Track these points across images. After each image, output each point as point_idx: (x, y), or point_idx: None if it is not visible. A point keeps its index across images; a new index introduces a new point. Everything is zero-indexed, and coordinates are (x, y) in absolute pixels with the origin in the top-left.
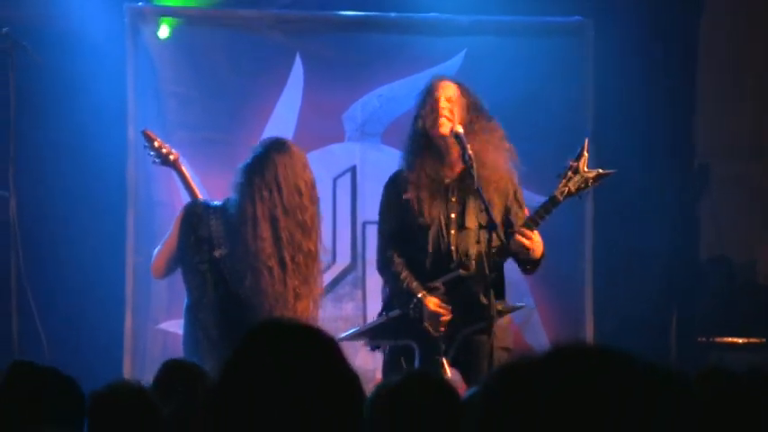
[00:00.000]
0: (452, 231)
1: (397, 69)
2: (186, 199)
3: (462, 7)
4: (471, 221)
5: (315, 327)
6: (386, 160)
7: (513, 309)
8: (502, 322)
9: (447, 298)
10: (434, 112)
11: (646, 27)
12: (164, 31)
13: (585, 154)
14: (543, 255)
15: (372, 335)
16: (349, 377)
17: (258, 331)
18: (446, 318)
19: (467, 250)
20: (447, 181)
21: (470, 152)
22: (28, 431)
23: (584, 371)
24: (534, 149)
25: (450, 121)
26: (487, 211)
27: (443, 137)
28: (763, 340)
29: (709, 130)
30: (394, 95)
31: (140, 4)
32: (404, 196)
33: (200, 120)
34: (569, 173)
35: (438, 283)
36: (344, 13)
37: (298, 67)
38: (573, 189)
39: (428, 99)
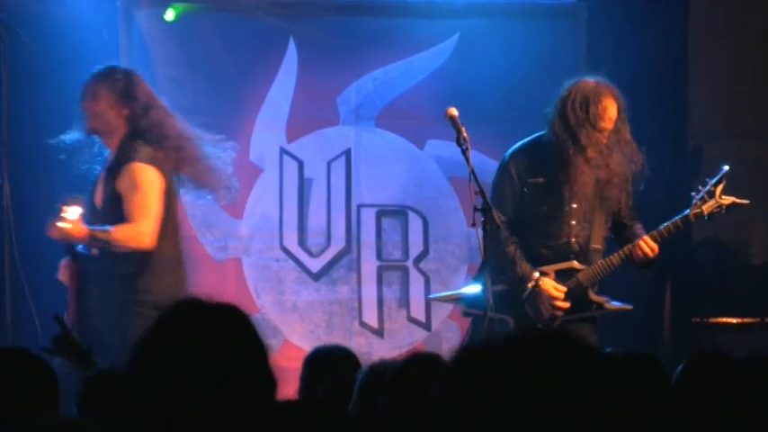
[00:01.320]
0: (573, 222)
1: (391, 53)
2: None
3: None
4: (591, 214)
5: (229, 303)
6: (380, 143)
7: (620, 309)
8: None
9: (551, 286)
10: (597, 135)
11: (639, 9)
12: (169, 15)
13: (724, 181)
14: (658, 257)
15: (469, 303)
16: (261, 350)
17: (176, 307)
18: (561, 303)
19: (583, 242)
20: (578, 173)
21: (465, 135)
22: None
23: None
24: (527, 131)
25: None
26: (482, 193)
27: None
28: (758, 320)
29: (703, 110)
30: (388, 79)
31: None
32: (530, 180)
33: (194, 103)
34: (705, 196)
35: (550, 269)
36: None
37: (292, 51)
38: (705, 212)
39: (595, 117)
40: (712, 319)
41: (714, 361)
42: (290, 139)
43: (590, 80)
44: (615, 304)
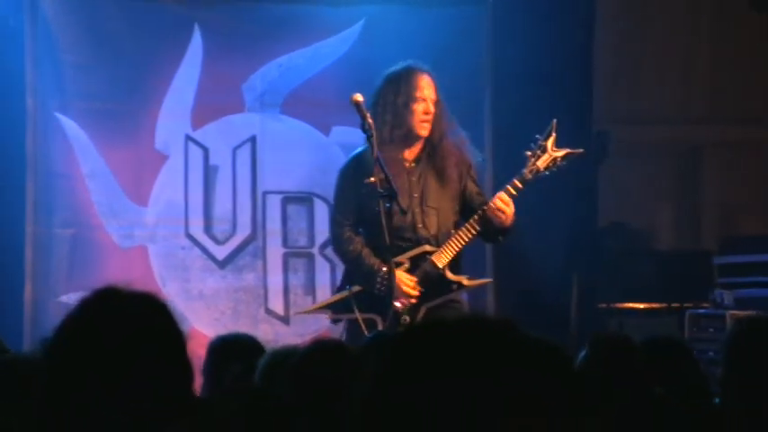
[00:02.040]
0: (417, 210)
1: (296, 39)
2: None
3: None
4: (433, 200)
5: (149, 292)
6: (286, 130)
7: (479, 283)
8: (464, 296)
9: (412, 273)
10: (417, 114)
11: None
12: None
13: (554, 134)
14: (513, 223)
15: (334, 309)
16: (180, 339)
17: (94, 296)
18: (414, 290)
19: (431, 227)
20: (407, 164)
21: (369, 121)
22: None
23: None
24: None
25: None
26: (387, 179)
27: (421, 136)
28: (664, 305)
29: (609, 96)
30: (293, 65)
31: None
32: (365, 180)
33: (99, 90)
34: (537, 151)
35: (404, 258)
36: None
37: (197, 38)
38: (541, 167)
39: (410, 95)
40: (618, 305)
41: (615, 344)
42: (195, 127)
43: (397, 67)
44: (474, 280)
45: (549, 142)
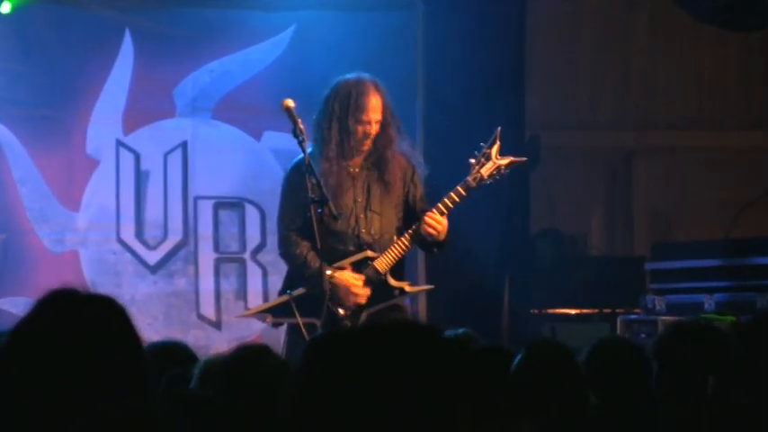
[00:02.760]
0: (361, 215)
1: (227, 44)
2: None
3: None
4: (377, 205)
5: (105, 295)
6: (217, 135)
7: (421, 290)
8: (406, 302)
9: (351, 279)
10: (358, 134)
11: (477, 1)
12: (5, 8)
13: (498, 141)
14: (448, 236)
15: (275, 312)
16: (136, 342)
17: (50, 297)
18: (361, 294)
19: (374, 232)
20: (352, 169)
21: (301, 126)
22: None
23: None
24: None
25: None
26: (318, 185)
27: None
28: (596, 311)
29: (541, 101)
30: (224, 70)
31: None
32: (310, 190)
33: (29, 96)
34: (482, 159)
35: (346, 263)
36: None
37: (127, 43)
38: (485, 175)
39: (357, 117)
40: (551, 310)
41: (551, 350)
42: (126, 132)
43: (350, 77)
44: (416, 287)
45: (494, 150)
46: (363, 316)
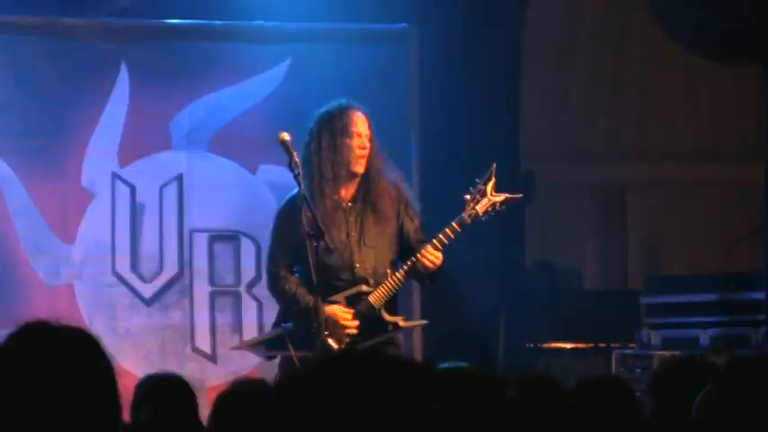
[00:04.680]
0: (355, 250)
1: (222, 77)
2: None
3: (287, 14)
4: (371, 239)
5: (78, 327)
6: (213, 168)
7: (414, 325)
8: (400, 336)
9: (340, 314)
10: (353, 150)
11: (470, 34)
12: None
13: (493, 178)
14: (440, 268)
15: (268, 345)
16: (110, 375)
17: (23, 330)
18: (350, 326)
19: (368, 266)
20: (344, 204)
21: (296, 159)
22: None
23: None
24: None
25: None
26: (314, 218)
27: (356, 173)
28: (591, 345)
29: (535, 135)
30: (220, 104)
31: None
32: (303, 220)
33: (25, 128)
34: (477, 196)
35: (339, 297)
36: (170, 22)
37: (123, 75)
38: (480, 212)
39: (345, 131)
40: (546, 345)
41: (544, 385)
42: (122, 164)
43: (329, 105)
44: (410, 322)
45: (489, 186)
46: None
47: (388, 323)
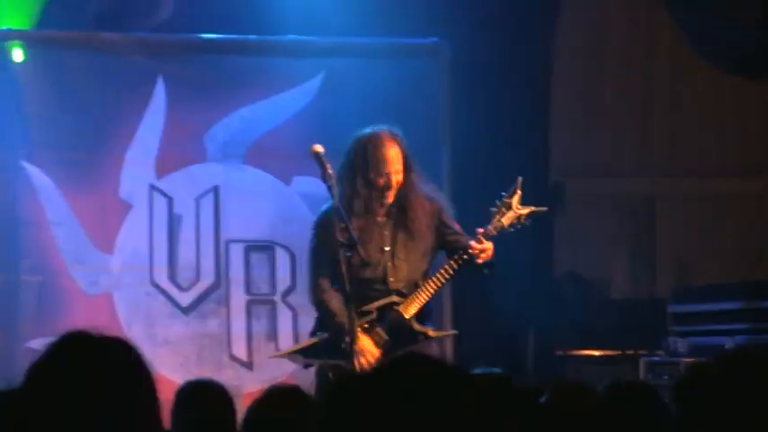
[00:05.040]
0: (389, 264)
1: (257, 90)
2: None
3: (321, 29)
4: (404, 253)
5: (118, 336)
6: (248, 180)
7: (444, 335)
8: (433, 346)
9: (379, 323)
10: (385, 185)
11: (501, 48)
12: (18, 56)
13: (519, 191)
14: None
15: (306, 354)
16: (149, 383)
17: (65, 340)
18: (372, 362)
19: (401, 278)
20: (378, 218)
21: (330, 171)
22: None
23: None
24: None
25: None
26: (347, 229)
27: (388, 200)
28: (619, 352)
29: (564, 148)
30: (255, 117)
31: (4, 28)
32: (339, 235)
33: (63, 140)
34: (503, 208)
35: (371, 308)
36: (206, 36)
37: (160, 89)
38: (506, 224)
39: (377, 170)
40: (575, 352)
41: (576, 391)
42: (159, 176)
43: (366, 132)
44: (440, 332)
45: (515, 200)
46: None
47: (418, 333)
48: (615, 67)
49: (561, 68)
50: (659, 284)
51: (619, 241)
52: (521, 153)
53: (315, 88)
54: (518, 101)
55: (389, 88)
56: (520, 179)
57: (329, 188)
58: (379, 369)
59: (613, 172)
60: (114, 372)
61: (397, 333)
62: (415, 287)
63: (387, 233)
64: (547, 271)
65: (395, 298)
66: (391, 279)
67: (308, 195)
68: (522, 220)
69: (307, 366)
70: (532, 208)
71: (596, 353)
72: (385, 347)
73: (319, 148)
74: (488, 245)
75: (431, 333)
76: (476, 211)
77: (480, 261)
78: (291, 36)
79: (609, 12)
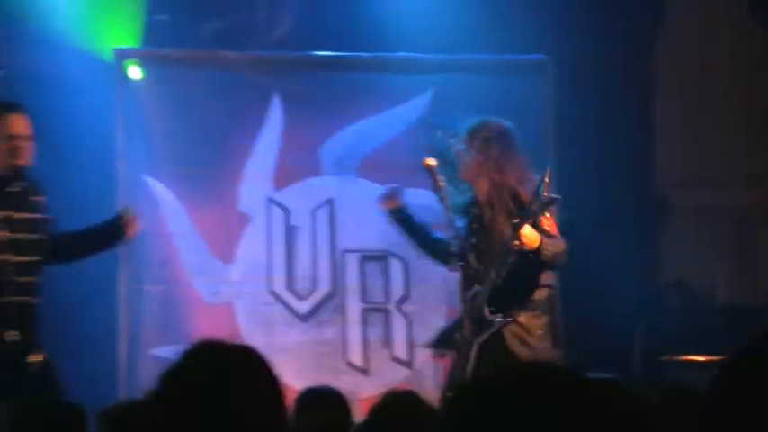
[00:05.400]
0: (472, 254)
1: (369, 106)
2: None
3: (430, 46)
4: (488, 246)
5: (247, 346)
6: (362, 193)
7: (500, 322)
8: (515, 329)
9: (465, 313)
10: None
11: (605, 63)
12: (136, 73)
13: (546, 180)
14: (544, 245)
15: (436, 344)
16: (278, 390)
17: (196, 349)
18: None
19: (484, 266)
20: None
21: (441, 184)
22: None
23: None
24: None
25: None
26: (459, 238)
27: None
28: (722, 358)
29: (668, 161)
30: (367, 131)
31: (127, 47)
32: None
33: (185, 156)
34: (534, 198)
35: (466, 297)
36: (320, 54)
37: (276, 105)
38: (535, 209)
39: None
40: (681, 357)
41: (684, 395)
42: (276, 189)
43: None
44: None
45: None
46: (470, 348)
47: (489, 320)
48: (720, 78)
49: (665, 80)
50: (761, 292)
51: (723, 250)
52: (627, 165)
53: (425, 103)
54: (624, 113)
55: (496, 103)
56: (548, 168)
57: (441, 200)
58: (499, 378)
59: (719, 183)
60: (246, 379)
61: (477, 320)
62: (498, 278)
63: (476, 225)
64: (654, 278)
65: (477, 287)
66: (480, 270)
67: (419, 207)
68: (546, 207)
69: (439, 354)
70: (554, 196)
71: (701, 358)
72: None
73: (431, 161)
74: (525, 232)
75: (498, 319)
76: (583, 224)
77: (524, 250)
78: (402, 53)
79: (716, 21)
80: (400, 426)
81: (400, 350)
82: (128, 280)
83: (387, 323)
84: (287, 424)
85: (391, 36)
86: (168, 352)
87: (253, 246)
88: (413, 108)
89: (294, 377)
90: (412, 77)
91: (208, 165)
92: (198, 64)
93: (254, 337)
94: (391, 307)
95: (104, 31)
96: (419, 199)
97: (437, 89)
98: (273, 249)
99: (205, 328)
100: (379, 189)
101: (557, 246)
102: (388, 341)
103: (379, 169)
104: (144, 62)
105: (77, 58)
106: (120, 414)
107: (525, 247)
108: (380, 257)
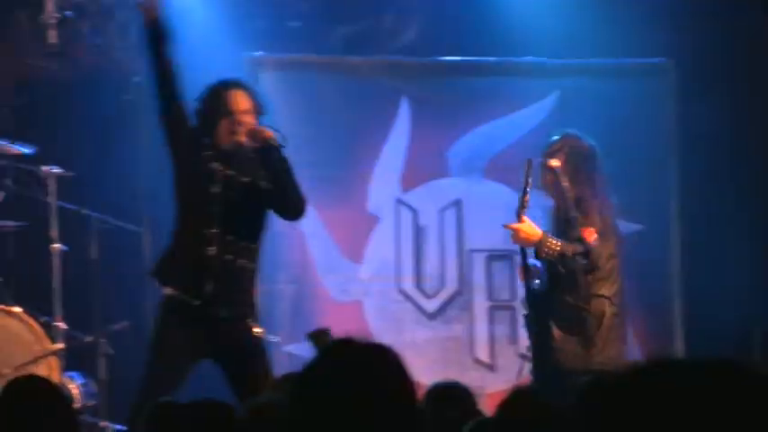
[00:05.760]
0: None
1: (495, 109)
2: None
3: (554, 51)
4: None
5: (382, 344)
6: (488, 193)
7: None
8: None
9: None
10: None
11: (726, 65)
12: (268, 79)
13: (529, 171)
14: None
15: None
16: (411, 386)
17: (334, 347)
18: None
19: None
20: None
21: (564, 184)
22: None
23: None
24: (623, 184)
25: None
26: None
27: None
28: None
29: None
30: (493, 133)
31: (258, 54)
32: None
33: (316, 158)
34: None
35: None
36: (447, 59)
37: (404, 109)
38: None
39: None
40: None
41: None
42: (404, 190)
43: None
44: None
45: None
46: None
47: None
48: None
49: None
50: None
51: None
52: (746, 169)
53: (549, 106)
54: (746, 116)
55: (619, 105)
56: (528, 160)
57: (521, 197)
58: (634, 376)
59: None
60: (384, 377)
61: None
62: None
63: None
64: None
65: None
66: None
67: (544, 207)
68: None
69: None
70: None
71: None
72: None
73: (555, 163)
74: (519, 226)
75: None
76: (706, 225)
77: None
78: (527, 58)
79: None
80: (524, 421)
81: (526, 346)
82: (263, 280)
83: (513, 320)
84: (422, 420)
85: (516, 41)
86: (299, 349)
87: (381, 245)
88: (537, 111)
89: (421, 373)
90: (536, 81)
91: (337, 167)
92: (328, 69)
93: (382, 335)
94: (517, 305)
95: (237, 38)
96: (543, 199)
97: (561, 93)
98: (402, 249)
99: (335, 325)
100: (505, 190)
101: (566, 247)
102: (514, 338)
103: (504, 170)
104: (276, 68)
105: (210, 65)
106: (263, 410)
107: (522, 243)
108: (506, 256)
